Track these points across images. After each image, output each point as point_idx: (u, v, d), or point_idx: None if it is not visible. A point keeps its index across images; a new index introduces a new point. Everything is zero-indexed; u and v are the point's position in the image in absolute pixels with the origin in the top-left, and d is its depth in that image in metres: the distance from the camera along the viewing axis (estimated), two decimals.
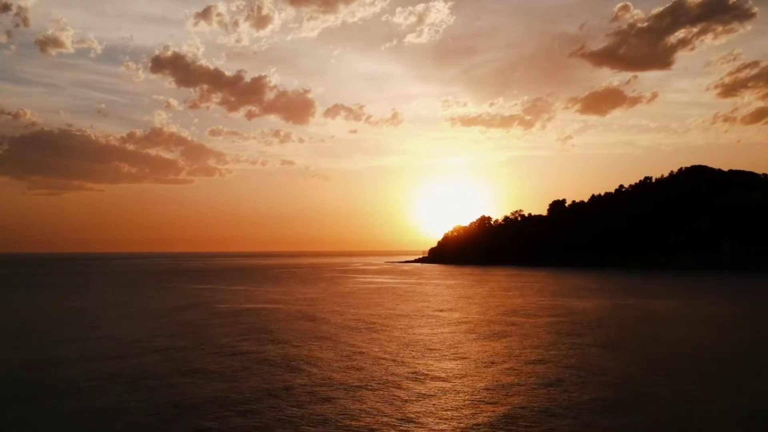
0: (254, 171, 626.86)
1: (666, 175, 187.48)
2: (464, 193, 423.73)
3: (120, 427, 18.75)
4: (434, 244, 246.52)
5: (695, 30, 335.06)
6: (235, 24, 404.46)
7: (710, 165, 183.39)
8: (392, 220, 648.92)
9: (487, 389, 23.50)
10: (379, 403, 21.43)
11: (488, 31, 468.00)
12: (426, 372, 27.04)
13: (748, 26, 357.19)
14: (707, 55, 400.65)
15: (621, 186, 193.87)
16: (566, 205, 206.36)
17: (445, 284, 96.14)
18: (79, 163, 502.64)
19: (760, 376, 26.01)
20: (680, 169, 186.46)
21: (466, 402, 21.61)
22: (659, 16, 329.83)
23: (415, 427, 18.77)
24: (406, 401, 21.82)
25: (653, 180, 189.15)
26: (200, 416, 19.88)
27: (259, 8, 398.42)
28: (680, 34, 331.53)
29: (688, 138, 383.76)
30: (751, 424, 18.66)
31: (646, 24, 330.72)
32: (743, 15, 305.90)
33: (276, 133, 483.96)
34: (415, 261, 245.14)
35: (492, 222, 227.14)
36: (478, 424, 18.87)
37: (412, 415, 19.94)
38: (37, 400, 22.17)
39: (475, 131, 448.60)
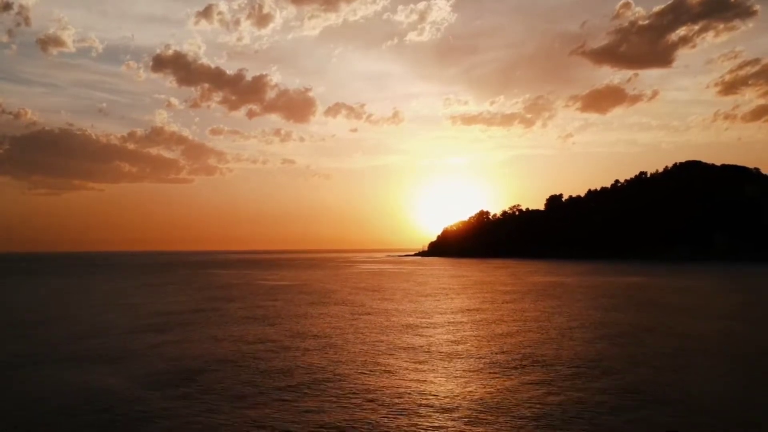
0: (255, 170, 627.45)
1: (661, 170, 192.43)
2: (465, 191, 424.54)
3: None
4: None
5: (696, 28, 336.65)
6: (237, 23, 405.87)
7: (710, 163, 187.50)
8: (393, 220, 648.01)
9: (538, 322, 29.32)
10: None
11: (489, 30, 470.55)
12: (470, 308, 32.73)
13: (750, 24, 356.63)
14: (708, 53, 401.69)
15: (617, 181, 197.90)
16: (563, 199, 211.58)
17: (454, 270, 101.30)
18: (80, 163, 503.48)
19: (720, 322, 32.29)
20: (675, 164, 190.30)
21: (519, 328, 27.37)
22: (660, 14, 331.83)
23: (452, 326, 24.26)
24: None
25: (648, 175, 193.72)
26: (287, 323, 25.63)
27: (261, 7, 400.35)
28: (681, 31, 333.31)
29: (688, 136, 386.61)
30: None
31: (647, 22, 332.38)
32: (744, 13, 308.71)
33: (277, 132, 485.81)
34: (415, 255, 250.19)
35: (490, 216, 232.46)
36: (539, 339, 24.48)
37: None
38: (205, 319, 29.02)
39: (476, 130, 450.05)
